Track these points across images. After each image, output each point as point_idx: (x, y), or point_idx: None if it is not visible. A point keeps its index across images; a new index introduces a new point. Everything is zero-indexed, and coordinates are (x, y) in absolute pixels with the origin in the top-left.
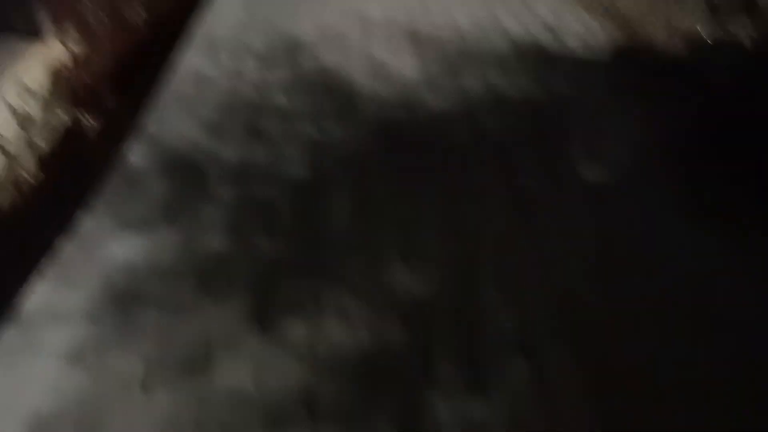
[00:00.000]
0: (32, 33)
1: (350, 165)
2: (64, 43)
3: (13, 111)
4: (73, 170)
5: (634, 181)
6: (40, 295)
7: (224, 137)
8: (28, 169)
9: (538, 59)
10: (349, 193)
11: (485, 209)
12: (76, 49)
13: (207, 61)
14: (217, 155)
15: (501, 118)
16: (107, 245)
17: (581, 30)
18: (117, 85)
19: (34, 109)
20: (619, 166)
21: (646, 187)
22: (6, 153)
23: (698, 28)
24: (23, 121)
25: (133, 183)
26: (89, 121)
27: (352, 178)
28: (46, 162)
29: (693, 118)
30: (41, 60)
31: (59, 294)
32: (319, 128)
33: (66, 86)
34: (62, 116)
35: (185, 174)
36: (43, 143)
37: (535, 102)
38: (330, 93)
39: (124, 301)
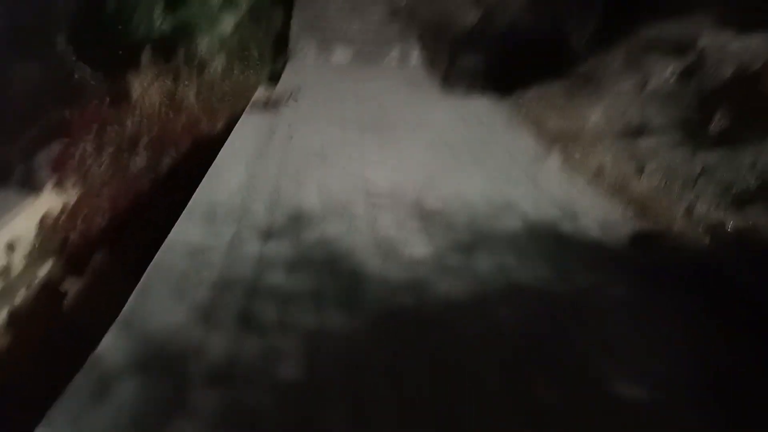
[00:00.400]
0: (31, 187)
1: (350, 363)
2: (60, 195)
3: None
4: (44, 338)
5: (661, 394)
6: None
7: (214, 325)
8: None
9: (553, 241)
10: (347, 399)
11: (497, 424)
12: (72, 200)
13: (204, 231)
14: (203, 349)
15: (515, 309)
16: None
17: (596, 211)
18: (109, 241)
19: (16, 263)
20: (643, 376)
21: (675, 403)
22: None
23: (718, 215)
24: (1, 274)
25: (103, 384)
26: (72, 279)
27: (352, 381)
28: (17, 321)
29: (721, 324)
30: (34, 212)
31: None
32: (319, 315)
33: (54, 240)
34: (45, 271)
35: (164, 373)
36: (18, 299)
37: (552, 292)
38: (333, 272)
39: None
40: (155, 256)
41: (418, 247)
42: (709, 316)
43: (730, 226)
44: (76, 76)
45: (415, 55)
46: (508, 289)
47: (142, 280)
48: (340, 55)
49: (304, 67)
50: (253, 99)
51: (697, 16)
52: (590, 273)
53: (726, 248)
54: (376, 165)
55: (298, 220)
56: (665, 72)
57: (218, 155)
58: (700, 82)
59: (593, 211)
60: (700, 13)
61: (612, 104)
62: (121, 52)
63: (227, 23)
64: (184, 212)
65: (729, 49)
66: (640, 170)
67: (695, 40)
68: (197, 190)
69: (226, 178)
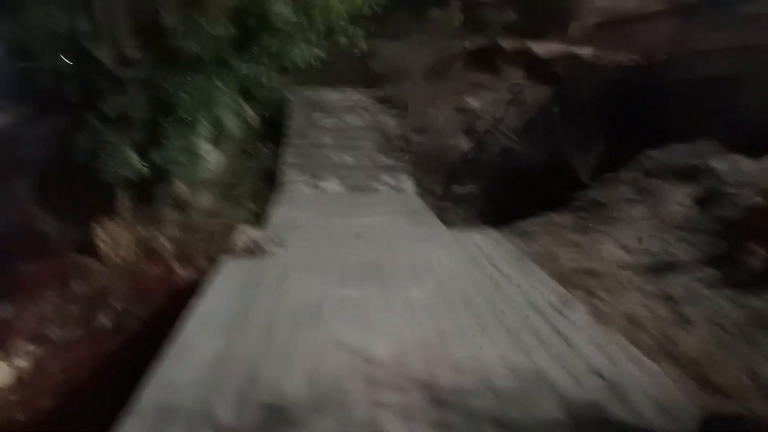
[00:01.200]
0: None
1: None
2: (8, 367)
3: None
4: None
5: None
6: None
7: None
8: None
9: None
10: None
11: None
12: (21, 374)
13: None
14: None
15: None
16: None
17: (646, 381)
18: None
19: None
20: None
21: None
22: None
23: None
24: None
25: None
26: None
27: None
28: None
29: None
30: None
31: None
32: None
33: None
34: None
35: None
36: None
37: None
38: None
39: None
40: None
41: None
42: None
43: None
44: (37, 227)
45: (410, 184)
46: None
47: None
48: (333, 186)
49: (294, 201)
50: (237, 241)
51: (700, 142)
52: None
53: None
54: (378, 326)
55: (276, 416)
56: (677, 196)
57: (187, 319)
58: (721, 208)
59: (642, 380)
60: (703, 138)
61: (626, 232)
62: (91, 199)
63: (213, 160)
64: (130, 410)
65: (745, 171)
66: (681, 318)
67: (706, 163)
68: (150, 376)
69: (193, 353)
